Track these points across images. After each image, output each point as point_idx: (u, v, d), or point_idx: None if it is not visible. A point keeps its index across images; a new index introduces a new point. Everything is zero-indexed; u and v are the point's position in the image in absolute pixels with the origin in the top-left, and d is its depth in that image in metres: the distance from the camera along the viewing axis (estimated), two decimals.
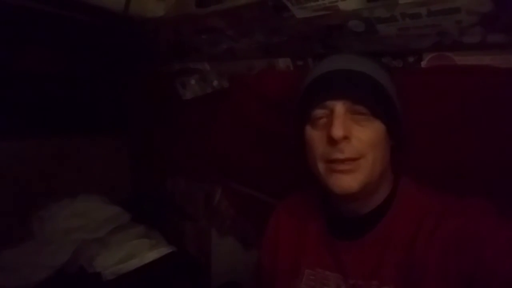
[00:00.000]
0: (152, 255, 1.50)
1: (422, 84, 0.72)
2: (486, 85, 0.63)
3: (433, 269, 0.55)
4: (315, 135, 0.65)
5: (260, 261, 0.88)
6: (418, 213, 0.62)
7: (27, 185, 1.65)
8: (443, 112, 0.70)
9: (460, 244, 0.54)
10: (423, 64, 0.71)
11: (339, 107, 0.62)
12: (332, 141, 0.60)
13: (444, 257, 0.55)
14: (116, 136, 2.02)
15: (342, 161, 0.61)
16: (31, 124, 1.68)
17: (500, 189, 0.65)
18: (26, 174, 1.66)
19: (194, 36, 1.04)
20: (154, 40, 1.22)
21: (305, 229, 0.79)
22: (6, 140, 1.61)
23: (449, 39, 0.62)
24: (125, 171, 2.07)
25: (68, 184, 1.78)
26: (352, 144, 0.61)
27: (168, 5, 0.96)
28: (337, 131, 0.59)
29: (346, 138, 0.60)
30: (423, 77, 0.72)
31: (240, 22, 0.87)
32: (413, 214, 0.63)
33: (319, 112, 0.65)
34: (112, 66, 1.78)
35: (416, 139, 0.74)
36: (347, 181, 0.62)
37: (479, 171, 0.68)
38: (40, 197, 1.65)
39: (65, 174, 1.79)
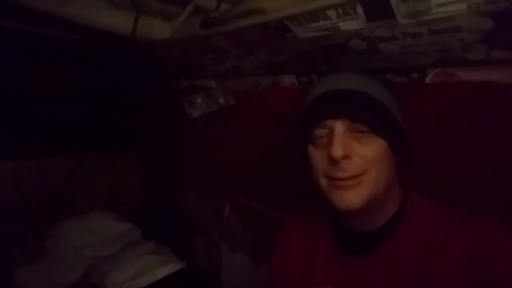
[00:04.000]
0: (163, 272, 1.51)
1: (427, 100, 0.71)
2: (491, 101, 0.62)
3: (446, 286, 0.55)
4: (316, 154, 0.66)
5: (269, 279, 0.88)
6: (429, 229, 0.62)
7: (41, 202, 1.68)
8: (448, 128, 0.70)
9: (472, 260, 0.53)
10: (428, 80, 0.71)
11: (338, 126, 0.62)
12: (333, 161, 0.61)
13: (457, 274, 0.54)
14: (128, 153, 2.06)
15: (344, 179, 0.61)
16: (45, 142, 1.73)
17: (507, 204, 0.63)
18: (41, 191, 1.69)
19: (200, 56, 1.06)
20: (162, 60, 1.25)
21: (314, 245, 0.78)
22: (21, 158, 1.66)
23: (452, 55, 0.62)
24: (137, 187, 2.10)
25: (81, 200, 1.82)
26: (353, 162, 0.61)
27: (174, 27, 0.98)
28: (337, 151, 0.59)
29: (346, 157, 0.60)
30: (427, 93, 0.71)
31: (244, 42, 0.88)
32: (424, 230, 0.62)
33: (319, 131, 0.65)
34: (123, 85, 1.83)
35: (422, 154, 0.74)
36: (349, 197, 0.62)
37: (486, 185, 0.67)
38: (54, 214, 1.68)
39: (78, 191, 1.83)
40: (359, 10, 0.59)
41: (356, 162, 0.61)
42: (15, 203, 1.60)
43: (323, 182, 0.65)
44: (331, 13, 0.62)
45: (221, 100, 1.13)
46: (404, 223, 0.66)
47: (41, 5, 0.85)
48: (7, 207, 1.58)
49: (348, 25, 0.63)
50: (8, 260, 1.51)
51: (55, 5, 0.87)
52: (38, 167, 1.71)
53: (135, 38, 0.99)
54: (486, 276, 0.51)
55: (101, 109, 1.92)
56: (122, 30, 0.98)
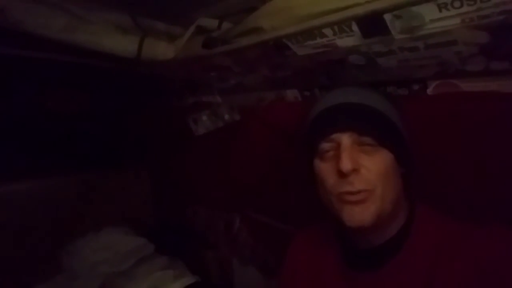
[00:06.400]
0: (175, 286, 1.51)
1: (429, 111, 0.71)
2: (493, 111, 0.62)
3: None
4: (324, 168, 0.66)
5: None
6: (436, 242, 0.61)
7: (55, 219, 1.72)
8: (451, 138, 0.69)
9: (480, 271, 0.52)
10: (429, 91, 0.70)
11: (346, 140, 0.62)
12: (342, 174, 0.61)
13: (466, 285, 0.53)
14: (138, 169, 2.09)
15: (353, 193, 0.61)
16: (57, 161, 1.78)
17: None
18: (54, 208, 1.73)
19: (204, 74, 1.09)
20: (167, 79, 1.28)
21: (322, 261, 0.78)
22: (36, 178, 1.71)
23: (452, 67, 0.62)
24: (148, 202, 2.12)
25: (94, 217, 1.85)
26: (362, 175, 0.61)
27: (178, 47, 1.00)
28: (346, 165, 0.59)
29: (354, 170, 0.60)
30: (429, 104, 0.71)
31: (245, 60, 0.90)
32: (431, 244, 0.61)
33: (326, 145, 0.65)
34: (132, 105, 1.88)
35: (426, 166, 0.73)
36: (359, 214, 0.61)
37: (490, 196, 0.66)
38: (68, 231, 1.72)
39: (91, 208, 1.86)
40: (354, 27, 0.59)
41: (364, 175, 0.61)
42: (30, 222, 1.64)
43: (332, 198, 0.64)
44: (327, 31, 0.63)
45: (226, 116, 1.14)
46: (411, 237, 0.65)
47: (53, 34, 0.90)
48: (22, 226, 1.62)
49: (345, 41, 0.64)
50: (25, 278, 1.55)
51: (65, 32, 0.91)
52: (51, 186, 1.75)
53: (141, 60, 1.03)
54: (498, 286, 0.50)
55: (111, 128, 1.97)
56: (128, 53, 1.01)
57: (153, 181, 2.11)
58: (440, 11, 0.49)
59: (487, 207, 0.66)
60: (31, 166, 1.68)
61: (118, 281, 1.52)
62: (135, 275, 1.55)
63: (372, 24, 0.57)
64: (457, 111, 0.67)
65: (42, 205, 1.69)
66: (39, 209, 1.68)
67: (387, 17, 0.54)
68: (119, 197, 1.97)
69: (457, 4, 0.47)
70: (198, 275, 1.61)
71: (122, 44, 0.99)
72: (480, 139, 0.65)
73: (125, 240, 1.76)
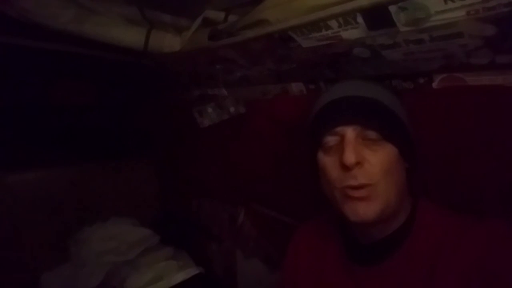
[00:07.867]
0: (179, 277, 1.54)
1: (434, 105, 0.71)
2: (499, 105, 0.61)
3: None
4: (327, 161, 0.66)
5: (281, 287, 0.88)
6: (438, 236, 0.61)
7: (63, 210, 1.76)
8: (456, 132, 0.69)
9: (482, 265, 0.52)
10: (434, 85, 0.70)
11: (350, 133, 0.62)
12: (345, 167, 0.60)
13: (468, 279, 0.53)
14: (144, 161, 2.11)
15: (356, 187, 0.61)
16: (66, 152, 1.81)
17: None
18: (62, 199, 1.77)
19: (209, 66, 1.09)
20: (173, 71, 1.29)
21: (324, 255, 0.78)
22: (43, 168, 1.74)
23: (457, 61, 0.61)
24: (154, 194, 2.15)
25: (101, 207, 1.88)
26: (365, 169, 0.61)
27: (184, 40, 1.01)
28: (349, 158, 0.59)
29: (358, 163, 0.60)
30: (435, 98, 0.71)
31: (250, 52, 0.90)
32: (433, 238, 0.61)
33: (330, 138, 0.65)
34: (138, 96, 1.89)
35: (431, 160, 0.73)
36: (363, 209, 0.61)
37: (495, 190, 0.65)
38: (76, 221, 1.75)
39: (98, 198, 1.90)
40: (359, 19, 0.59)
41: (367, 170, 0.61)
42: (38, 212, 1.68)
43: (336, 192, 0.64)
44: (332, 23, 0.63)
45: (232, 109, 1.15)
46: (413, 232, 0.65)
47: (61, 25, 0.91)
48: (30, 216, 1.66)
49: (350, 34, 0.64)
50: (33, 266, 1.59)
51: (73, 24, 0.92)
52: (58, 177, 1.78)
53: (147, 52, 1.04)
54: (497, 281, 0.50)
55: (118, 120, 2.00)
56: (135, 45, 1.02)
57: (159, 173, 2.13)
58: (445, 2, 0.49)
59: (493, 201, 0.66)
60: (37, 157, 1.71)
61: (124, 270, 1.55)
62: (140, 265, 1.58)
63: (377, 16, 0.57)
64: (462, 105, 0.66)
65: (49, 196, 1.72)
66: (46, 199, 1.71)
67: (392, 8, 0.54)
68: (126, 189, 2.00)
69: None
70: (202, 266, 1.64)
71: (129, 36, 0.99)
72: (485, 133, 0.65)
73: (131, 231, 1.79)
